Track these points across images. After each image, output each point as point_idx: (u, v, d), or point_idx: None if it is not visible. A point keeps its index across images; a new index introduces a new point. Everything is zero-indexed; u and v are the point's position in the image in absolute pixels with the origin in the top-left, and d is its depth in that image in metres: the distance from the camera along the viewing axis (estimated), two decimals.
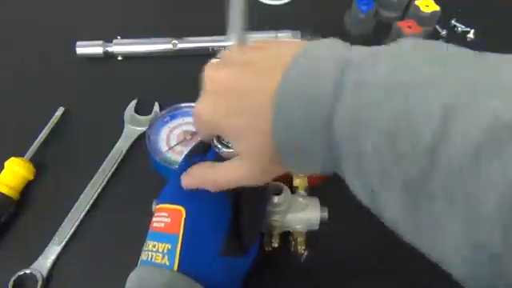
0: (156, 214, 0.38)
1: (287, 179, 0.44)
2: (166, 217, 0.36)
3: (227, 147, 0.37)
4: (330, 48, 0.29)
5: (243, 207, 0.38)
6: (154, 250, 0.35)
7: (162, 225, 0.36)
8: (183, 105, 0.54)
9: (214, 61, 0.35)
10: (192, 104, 0.54)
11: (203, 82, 0.33)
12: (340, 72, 0.26)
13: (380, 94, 0.24)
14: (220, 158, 0.37)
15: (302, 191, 0.45)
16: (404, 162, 0.23)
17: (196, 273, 0.34)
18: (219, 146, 0.38)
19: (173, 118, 0.53)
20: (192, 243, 0.35)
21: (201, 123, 0.34)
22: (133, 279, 0.35)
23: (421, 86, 0.23)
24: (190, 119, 0.53)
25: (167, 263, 0.34)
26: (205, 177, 0.35)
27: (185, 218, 0.35)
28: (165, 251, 0.35)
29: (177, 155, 0.50)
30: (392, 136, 0.23)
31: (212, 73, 0.33)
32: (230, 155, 0.36)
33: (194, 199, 0.37)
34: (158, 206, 0.38)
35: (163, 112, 0.53)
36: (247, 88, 0.30)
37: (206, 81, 0.33)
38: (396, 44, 0.26)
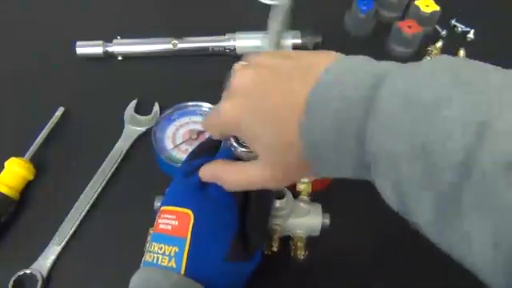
0: (162, 216, 0.37)
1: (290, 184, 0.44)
2: (174, 219, 0.36)
3: (244, 147, 0.37)
4: (365, 60, 0.30)
5: (250, 210, 0.38)
6: (161, 252, 0.35)
7: (169, 227, 0.36)
8: (190, 103, 0.54)
9: (241, 62, 0.35)
10: (199, 103, 0.54)
11: (230, 82, 0.33)
12: (375, 84, 0.26)
13: (414, 108, 0.24)
14: (234, 158, 0.37)
15: (304, 196, 0.45)
16: (436, 173, 0.23)
17: (202, 277, 0.34)
18: (236, 144, 0.38)
19: (180, 116, 0.53)
20: (199, 247, 0.35)
21: (220, 123, 0.34)
22: (137, 280, 0.35)
23: (452, 101, 0.23)
24: (196, 118, 0.53)
25: (174, 266, 0.34)
26: (225, 174, 0.35)
27: (193, 222, 0.35)
28: (172, 254, 0.35)
29: (182, 153, 0.50)
30: (425, 150, 0.23)
31: (241, 73, 0.33)
32: (246, 155, 0.36)
33: (202, 202, 0.37)
34: (163, 208, 0.38)
35: (170, 110, 0.53)
36: (276, 91, 0.30)
37: (235, 80, 0.33)
38: (431, 61, 0.27)
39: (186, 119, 0.53)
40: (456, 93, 0.23)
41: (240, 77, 0.32)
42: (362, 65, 0.29)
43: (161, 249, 0.35)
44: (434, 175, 0.23)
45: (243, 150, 0.37)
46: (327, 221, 0.44)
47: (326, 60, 0.29)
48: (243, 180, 0.34)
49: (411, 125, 0.24)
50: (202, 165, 0.37)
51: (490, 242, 0.21)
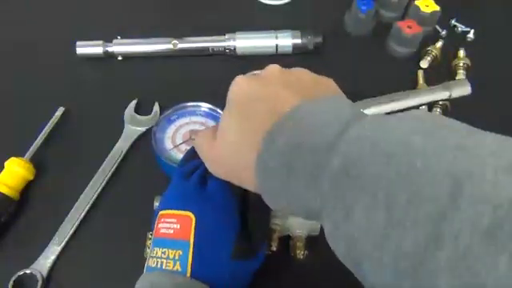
0: (163, 220, 0.37)
1: None
2: (175, 223, 0.36)
3: None
4: (335, 104, 0.30)
5: (250, 209, 0.38)
6: (164, 256, 0.35)
7: (171, 231, 0.36)
8: (190, 104, 0.54)
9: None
10: (199, 103, 0.54)
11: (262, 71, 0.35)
12: (342, 128, 0.25)
13: (383, 152, 0.23)
14: None
15: None
16: (399, 231, 0.21)
17: (208, 277, 0.34)
18: None
19: (180, 116, 0.53)
20: (203, 248, 0.35)
21: (234, 96, 0.34)
22: (142, 285, 0.35)
23: (430, 151, 0.21)
24: (196, 118, 0.53)
25: (179, 269, 0.34)
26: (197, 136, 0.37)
27: (195, 224, 0.35)
28: (176, 257, 0.34)
29: (182, 154, 0.50)
30: (389, 198, 0.21)
31: (233, 85, 0.34)
32: None
33: (202, 203, 0.37)
34: (163, 212, 0.38)
35: (170, 110, 0.53)
36: (240, 127, 0.31)
37: (265, 70, 0.35)
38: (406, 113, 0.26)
39: (185, 119, 0.53)
40: (429, 143, 0.22)
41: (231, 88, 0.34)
42: (334, 108, 0.29)
43: (164, 253, 0.35)
44: (396, 233, 0.21)
45: None
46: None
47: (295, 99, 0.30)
48: (199, 145, 0.37)
49: (376, 170, 0.22)
50: (200, 165, 0.38)
51: None
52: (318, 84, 0.33)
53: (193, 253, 0.34)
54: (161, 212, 0.38)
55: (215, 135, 0.34)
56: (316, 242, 0.45)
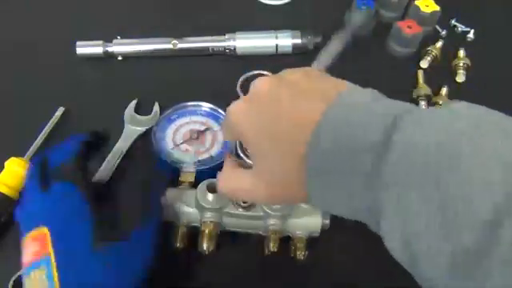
0: (24, 249, 0.35)
1: None
2: (34, 245, 0.34)
3: (247, 156, 0.37)
4: (382, 98, 0.29)
5: (126, 192, 0.38)
6: (33, 280, 0.33)
7: (32, 254, 0.34)
8: (190, 103, 0.54)
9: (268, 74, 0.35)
10: (199, 103, 0.54)
11: (251, 88, 0.33)
12: (390, 126, 0.25)
13: (434, 159, 0.23)
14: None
15: None
16: (456, 231, 0.21)
17: (81, 279, 0.33)
18: (241, 154, 0.38)
19: (180, 116, 0.53)
20: (64, 252, 0.33)
21: (229, 124, 0.34)
22: None
23: (478, 154, 0.22)
24: (196, 118, 0.53)
25: (47, 285, 0.32)
26: (219, 175, 0.36)
27: (50, 235, 0.34)
28: (43, 277, 0.33)
29: (182, 153, 0.50)
30: (444, 203, 0.22)
31: (261, 80, 0.33)
32: (246, 164, 0.36)
33: (51, 210, 0.36)
34: (23, 240, 0.36)
35: (170, 110, 0.53)
36: (288, 110, 0.29)
37: (254, 86, 0.33)
38: (450, 107, 0.25)
39: (186, 119, 0.53)
40: (477, 146, 0.22)
41: (258, 83, 0.32)
42: (370, 104, 0.27)
43: (31, 279, 0.33)
44: (453, 234, 0.21)
45: (247, 160, 0.37)
46: (327, 221, 0.43)
47: (341, 88, 0.29)
48: (228, 188, 0.35)
49: (429, 175, 0.22)
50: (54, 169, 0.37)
51: None
52: (337, 81, 0.32)
53: (56, 263, 0.33)
54: (22, 241, 0.36)
55: (236, 174, 0.34)
56: (317, 242, 0.45)
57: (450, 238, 0.21)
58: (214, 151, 0.50)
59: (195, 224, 0.44)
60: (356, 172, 0.25)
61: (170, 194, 0.44)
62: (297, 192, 0.30)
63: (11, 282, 0.42)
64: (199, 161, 0.49)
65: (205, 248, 0.42)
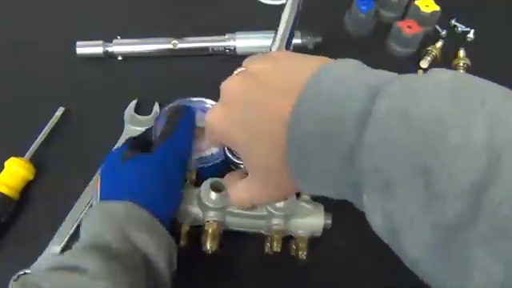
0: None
1: None
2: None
3: (238, 158, 0.37)
4: (355, 68, 0.27)
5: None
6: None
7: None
8: (194, 99, 0.53)
9: (237, 71, 0.34)
10: (202, 99, 0.53)
11: (221, 92, 0.33)
12: (369, 99, 0.24)
13: (416, 127, 0.22)
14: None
15: (306, 196, 0.45)
16: (439, 203, 0.21)
17: (111, 188, 0.40)
18: (230, 155, 0.38)
19: None
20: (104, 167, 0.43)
21: (211, 131, 0.34)
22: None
23: (463, 123, 0.21)
24: (199, 115, 0.51)
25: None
26: (228, 188, 0.37)
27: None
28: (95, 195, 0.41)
29: None
30: (428, 173, 0.21)
31: (229, 83, 0.32)
32: (238, 166, 0.36)
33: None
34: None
35: (175, 102, 0.52)
36: (262, 103, 0.29)
37: (222, 90, 0.32)
38: (433, 76, 0.24)
39: None
40: (460, 114, 0.21)
41: (228, 84, 0.32)
42: (352, 74, 0.26)
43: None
44: (435, 205, 0.21)
45: (236, 161, 0.37)
46: (329, 221, 0.43)
47: (314, 65, 0.28)
48: (235, 199, 0.35)
49: (411, 146, 0.22)
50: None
51: (501, 271, 0.20)
52: (309, 58, 0.31)
53: (100, 181, 0.41)
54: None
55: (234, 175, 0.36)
56: (318, 242, 0.45)
57: (433, 209, 0.21)
58: (215, 148, 0.49)
59: (199, 223, 0.44)
60: (340, 145, 0.25)
61: None
62: (288, 183, 0.29)
63: (12, 282, 0.42)
64: (200, 158, 0.49)
65: (208, 248, 0.42)
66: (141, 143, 0.45)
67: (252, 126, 0.29)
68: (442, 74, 0.24)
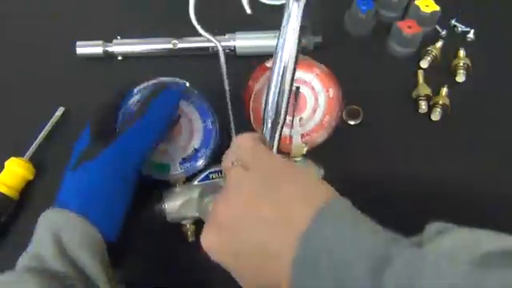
0: None
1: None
2: None
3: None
4: (355, 227, 0.27)
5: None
6: None
7: None
8: (165, 79, 0.46)
9: (230, 157, 0.35)
10: (174, 79, 0.47)
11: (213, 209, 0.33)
12: (372, 272, 0.24)
13: None
14: None
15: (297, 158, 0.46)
16: None
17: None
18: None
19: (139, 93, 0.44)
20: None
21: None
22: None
23: None
24: None
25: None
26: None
27: None
28: None
29: (160, 156, 0.45)
30: None
31: (224, 201, 0.32)
32: None
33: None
34: None
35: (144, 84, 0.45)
36: (256, 244, 0.29)
37: (216, 208, 0.32)
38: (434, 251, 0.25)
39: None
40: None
41: (221, 206, 0.32)
42: (354, 234, 0.26)
43: None
44: None
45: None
46: (322, 171, 0.44)
47: (315, 206, 0.28)
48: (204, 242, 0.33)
49: None
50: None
51: None
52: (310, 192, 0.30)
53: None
54: None
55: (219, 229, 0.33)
56: None
57: None
58: (196, 142, 0.44)
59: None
60: None
61: (171, 198, 0.44)
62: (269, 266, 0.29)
63: None
64: (184, 159, 0.45)
65: None
66: (104, 130, 0.40)
67: (252, 263, 0.29)
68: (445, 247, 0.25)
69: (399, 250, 0.25)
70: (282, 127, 0.36)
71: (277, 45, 0.35)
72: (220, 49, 0.39)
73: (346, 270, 0.25)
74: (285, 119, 0.36)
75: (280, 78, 0.34)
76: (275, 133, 0.36)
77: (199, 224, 0.45)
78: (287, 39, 0.34)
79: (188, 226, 0.45)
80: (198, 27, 0.37)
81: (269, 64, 0.42)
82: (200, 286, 0.46)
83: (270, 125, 0.36)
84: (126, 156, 0.38)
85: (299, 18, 0.35)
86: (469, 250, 0.24)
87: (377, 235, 0.27)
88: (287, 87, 0.34)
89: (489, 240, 0.25)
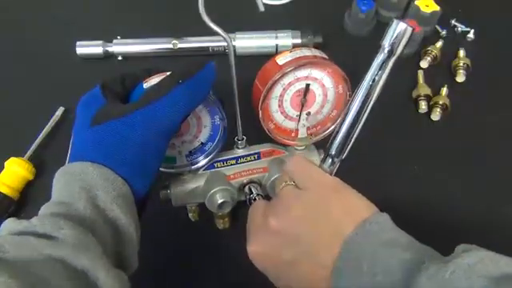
0: None
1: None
2: None
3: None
4: (394, 238, 0.31)
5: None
6: None
7: None
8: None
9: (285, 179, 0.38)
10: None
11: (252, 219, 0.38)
12: (408, 273, 0.28)
13: None
14: None
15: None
16: None
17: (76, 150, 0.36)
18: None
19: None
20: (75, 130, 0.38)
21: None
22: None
23: None
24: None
25: None
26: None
27: None
28: None
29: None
30: None
31: (274, 221, 0.35)
32: None
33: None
34: None
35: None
36: (310, 252, 0.33)
37: (266, 224, 0.35)
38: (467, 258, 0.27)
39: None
40: None
41: (273, 220, 0.35)
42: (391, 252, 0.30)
43: None
44: None
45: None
46: (323, 154, 0.44)
47: (360, 218, 0.32)
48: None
49: None
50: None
51: None
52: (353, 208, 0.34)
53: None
54: None
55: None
56: None
57: None
58: (203, 136, 0.43)
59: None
60: None
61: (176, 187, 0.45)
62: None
63: None
64: (190, 152, 0.44)
65: (221, 227, 0.48)
66: (117, 90, 0.41)
67: (294, 271, 0.34)
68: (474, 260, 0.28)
69: (429, 261, 0.28)
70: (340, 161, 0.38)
71: (356, 93, 0.38)
72: (230, 44, 0.40)
73: (385, 276, 0.29)
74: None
75: (352, 125, 0.38)
76: (333, 164, 0.38)
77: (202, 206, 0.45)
78: (375, 92, 0.38)
79: (193, 207, 0.47)
80: (211, 24, 0.37)
81: (280, 61, 0.42)
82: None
83: (330, 160, 0.38)
84: (158, 120, 0.36)
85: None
86: (487, 268, 0.27)
87: (414, 245, 0.30)
88: (357, 132, 0.38)
89: (507, 263, 0.27)
